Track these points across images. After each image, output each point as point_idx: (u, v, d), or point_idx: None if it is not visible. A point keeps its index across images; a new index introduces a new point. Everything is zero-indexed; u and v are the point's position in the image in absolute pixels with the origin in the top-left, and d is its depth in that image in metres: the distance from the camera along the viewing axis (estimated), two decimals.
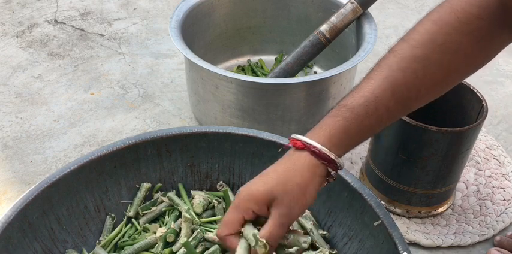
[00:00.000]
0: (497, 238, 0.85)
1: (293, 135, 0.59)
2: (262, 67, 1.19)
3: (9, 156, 1.00)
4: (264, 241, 0.55)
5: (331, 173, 0.58)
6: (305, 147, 0.57)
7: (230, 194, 0.80)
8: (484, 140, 1.03)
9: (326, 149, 0.57)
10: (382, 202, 0.88)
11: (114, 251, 0.76)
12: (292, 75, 1.01)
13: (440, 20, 0.60)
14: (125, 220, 0.79)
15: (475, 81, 1.22)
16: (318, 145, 0.56)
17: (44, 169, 0.97)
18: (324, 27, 0.97)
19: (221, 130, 0.77)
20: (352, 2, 0.97)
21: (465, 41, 0.58)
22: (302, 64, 1.00)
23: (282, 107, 0.93)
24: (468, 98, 0.80)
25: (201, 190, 0.83)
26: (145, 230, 0.78)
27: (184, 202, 0.79)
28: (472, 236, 0.86)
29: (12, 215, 0.64)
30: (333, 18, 0.96)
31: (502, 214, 0.89)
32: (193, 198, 0.80)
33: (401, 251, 0.61)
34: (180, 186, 0.82)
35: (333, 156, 0.57)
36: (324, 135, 0.57)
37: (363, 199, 0.68)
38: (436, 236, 0.86)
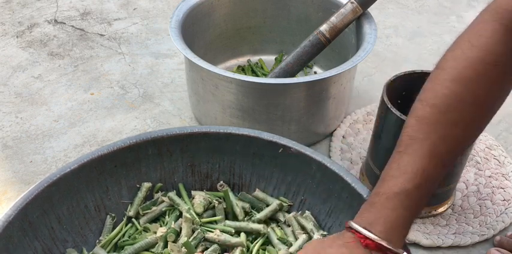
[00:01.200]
0: (497, 238, 0.85)
1: (359, 228, 0.57)
2: (262, 67, 1.19)
3: (9, 156, 1.00)
4: None
5: None
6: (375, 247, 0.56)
7: (230, 194, 0.80)
8: (484, 140, 1.03)
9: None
10: None
11: (115, 251, 0.76)
12: (292, 75, 1.01)
13: (458, 75, 0.58)
14: (125, 219, 0.79)
15: None
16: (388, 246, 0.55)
17: (44, 169, 0.97)
18: (324, 27, 0.97)
19: (222, 131, 0.77)
20: (352, 2, 0.97)
21: (482, 92, 0.57)
22: (302, 64, 1.00)
23: (282, 107, 0.93)
24: None
25: (202, 190, 0.83)
26: (146, 230, 0.78)
27: (185, 202, 0.79)
28: (472, 236, 0.86)
29: (12, 215, 0.64)
30: (333, 18, 0.96)
31: (502, 214, 0.89)
32: (193, 198, 0.80)
33: (401, 251, 0.61)
34: (181, 186, 0.82)
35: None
36: (389, 230, 0.56)
37: (363, 199, 0.68)
38: (436, 236, 0.86)
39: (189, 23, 1.01)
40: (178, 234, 0.75)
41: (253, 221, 0.78)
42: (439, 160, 0.57)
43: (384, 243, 0.55)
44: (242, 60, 1.22)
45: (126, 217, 0.79)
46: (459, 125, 0.57)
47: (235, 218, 0.79)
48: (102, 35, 1.35)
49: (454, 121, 0.57)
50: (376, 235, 0.56)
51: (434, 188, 0.59)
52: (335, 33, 0.97)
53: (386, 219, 0.57)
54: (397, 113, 0.75)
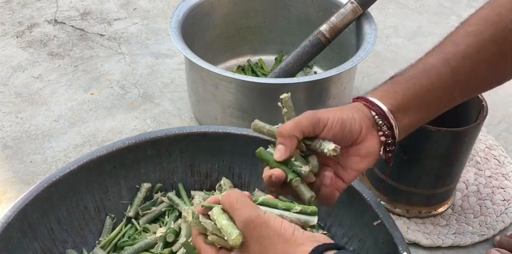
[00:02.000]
0: (497, 238, 0.85)
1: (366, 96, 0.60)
2: (262, 67, 1.19)
3: (9, 156, 1.00)
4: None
5: (378, 122, 0.58)
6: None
7: None
8: (484, 140, 1.03)
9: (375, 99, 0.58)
10: (382, 202, 0.88)
11: (114, 251, 0.76)
12: (292, 75, 1.00)
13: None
14: (124, 220, 0.79)
15: None
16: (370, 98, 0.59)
17: (44, 169, 0.97)
18: (324, 27, 0.97)
19: (221, 130, 0.77)
20: (352, 2, 0.97)
21: None
22: (302, 64, 1.00)
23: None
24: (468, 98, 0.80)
25: (201, 190, 0.83)
26: (145, 230, 0.78)
27: (184, 202, 0.79)
28: (472, 236, 0.86)
29: (12, 216, 0.64)
30: (333, 18, 0.96)
31: (502, 214, 0.89)
32: (193, 198, 0.80)
33: (401, 251, 0.61)
34: (180, 186, 0.82)
35: (378, 102, 0.58)
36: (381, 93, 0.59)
37: (363, 199, 0.68)
38: (436, 236, 0.85)
39: (189, 23, 1.01)
40: (177, 234, 0.75)
41: None
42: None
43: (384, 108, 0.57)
44: (242, 60, 1.22)
45: (125, 217, 0.79)
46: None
47: None
48: (102, 35, 1.35)
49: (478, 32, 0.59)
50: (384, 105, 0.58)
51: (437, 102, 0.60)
52: (335, 33, 0.97)
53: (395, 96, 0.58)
54: None
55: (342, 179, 0.59)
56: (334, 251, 0.45)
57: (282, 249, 0.46)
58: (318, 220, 0.77)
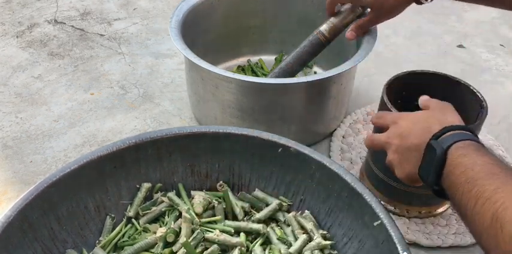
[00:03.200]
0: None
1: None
2: (262, 67, 1.19)
3: (9, 156, 1.00)
4: None
5: None
6: None
7: (230, 194, 0.80)
8: (484, 140, 1.03)
9: None
10: (382, 202, 0.88)
11: (114, 251, 0.76)
12: (292, 75, 1.00)
13: None
14: (125, 220, 0.79)
15: (475, 81, 1.22)
16: None
17: (44, 169, 0.97)
18: (324, 27, 0.97)
19: (221, 130, 0.77)
20: None
21: None
22: (302, 64, 1.00)
23: (282, 107, 0.93)
24: (468, 98, 0.80)
25: (201, 190, 0.83)
26: (145, 230, 0.78)
27: (184, 202, 0.79)
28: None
29: (12, 215, 0.64)
30: (333, 18, 0.96)
31: None
32: (193, 198, 0.80)
33: (401, 251, 0.61)
34: (180, 186, 0.82)
35: None
36: None
37: (363, 199, 0.68)
38: (436, 236, 0.86)
39: (189, 23, 1.01)
40: (177, 234, 0.75)
41: (253, 221, 0.78)
42: None
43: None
44: (242, 60, 1.22)
45: (125, 217, 0.79)
46: None
47: (234, 218, 0.79)
48: (102, 35, 1.35)
49: None
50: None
51: None
52: (335, 33, 0.97)
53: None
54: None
55: None
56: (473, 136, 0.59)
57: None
58: (318, 220, 0.77)
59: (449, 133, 0.60)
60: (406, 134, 0.64)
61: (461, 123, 0.63)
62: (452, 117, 0.65)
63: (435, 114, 0.66)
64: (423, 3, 0.84)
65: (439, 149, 0.58)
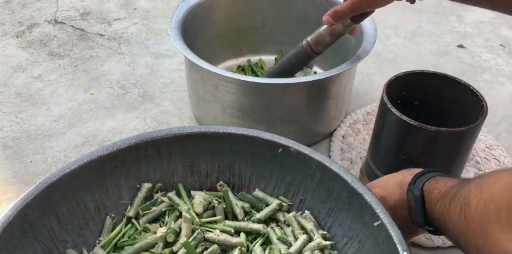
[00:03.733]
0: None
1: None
2: (262, 67, 1.19)
3: (9, 156, 1.00)
4: None
5: None
6: None
7: (230, 194, 0.80)
8: (484, 140, 1.03)
9: None
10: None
11: (114, 251, 0.76)
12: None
13: None
14: (125, 220, 0.79)
15: (475, 81, 1.22)
16: None
17: (44, 169, 0.97)
18: (310, 37, 0.93)
19: (221, 130, 0.77)
20: None
21: None
22: (289, 73, 0.99)
23: (282, 107, 0.93)
24: (468, 98, 0.80)
25: (201, 190, 0.83)
26: (146, 230, 0.78)
27: (185, 202, 0.79)
28: None
29: (12, 215, 0.64)
30: (322, 28, 0.91)
31: None
32: (193, 198, 0.80)
33: (402, 252, 0.61)
34: (180, 186, 0.82)
35: None
36: None
37: (363, 199, 0.68)
38: (436, 236, 0.85)
39: (189, 23, 1.01)
40: (178, 234, 0.75)
41: (253, 221, 0.78)
42: None
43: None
44: (242, 60, 1.22)
45: (125, 217, 0.79)
46: None
47: (235, 218, 0.79)
48: (102, 35, 1.35)
49: None
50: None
51: None
52: (320, 43, 0.92)
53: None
54: (397, 113, 0.75)
55: None
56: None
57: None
58: (318, 220, 0.77)
59: (421, 177, 0.65)
60: (385, 196, 0.69)
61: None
62: (411, 170, 0.69)
63: (397, 174, 0.71)
64: (413, 2, 0.83)
65: (416, 189, 0.63)
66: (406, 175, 0.68)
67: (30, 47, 1.29)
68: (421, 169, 0.67)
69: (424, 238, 0.85)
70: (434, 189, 0.61)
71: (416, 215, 0.63)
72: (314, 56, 0.93)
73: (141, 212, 0.79)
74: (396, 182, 0.69)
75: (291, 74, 0.98)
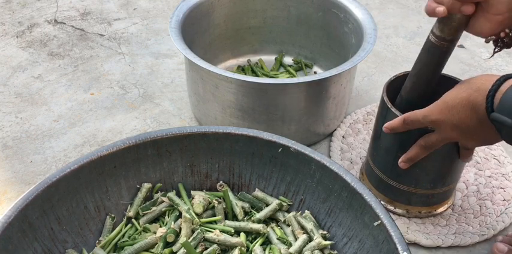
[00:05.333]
0: (499, 238, 0.85)
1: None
2: (262, 67, 1.19)
3: (9, 156, 1.00)
4: None
5: None
6: None
7: (230, 194, 0.80)
8: None
9: None
10: (382, 202, 0.88)
11: (114, 251, 0.76)
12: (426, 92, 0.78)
13: None
14: (125, 220, 0.79)
15: None
16: None
17: (44, 169, 0.97)
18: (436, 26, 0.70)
19: (221, 130, 0.77)
20: None
21: None
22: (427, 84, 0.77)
23: (282, 107, 0.93)
24: None
25: (201, 190, 0.83)
26: (146, 230, 0.78)
27: (184, 202, 0.79)
28: (472, 236, 0.86)
29: (12, 215, 0.64)
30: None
31: (502, 214, 0.89)
32: (193, 198, 0.80)
33: (401, 251, 0.61)
34: (180, 186, 0.82)
35: None
36: None
37: (363, 199, 0.68)
38: (436, 236, 0.86)
39: (189, 23, 1.01)
40: (177, 234, 0.75)
41: (253, 221, 0.78)
42: None
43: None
44: (242, 60, 1.22)
45: (125, 217, 0.79)
46: None
47: (234, 218, 0.79)
48: (102, 35, 1.35)
49: None
50: None
51: None
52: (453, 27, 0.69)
53: None
54: (397, 113, 0.75)
55: None
56: None
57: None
58: (318, 220, 0.77)
59: (498, 94, 0.59)
60: (458, 124, 0.64)
61: (488, 80, 0.62)
62: (477, 79, 0.64)
63: (455, 92, 0.64)
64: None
65: (509, 122, 0.57)
66: (471, 92, 0.61)
67: (30, 47, 1.29)
68: (481, 80, 0.62)
69: (424, 238, 0.85)
70: None
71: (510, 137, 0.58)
72: (448, 48, 0.71)
73: (141, 212, 0.79)
74: (463, 104, 0.62)
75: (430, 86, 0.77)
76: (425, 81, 0.75)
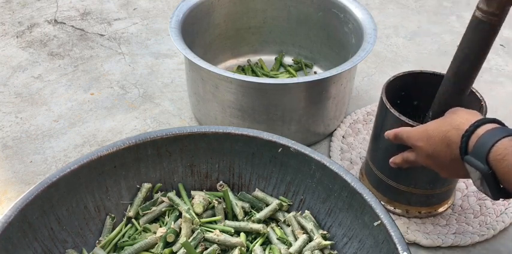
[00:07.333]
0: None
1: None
2: (262, 67, 1.19)
3: (9, 156, 1.00)
4: None
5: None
6: None
7: (230, 194, 0.80)
8: None
9: None
10: (382, 202, 0.88)
11: (114, 251, 0.76)
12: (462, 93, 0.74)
13: None
14: (125, 220, 0.79)
15: (475, 81, 1.22)
16: None
17: (44, 169, 0.97)
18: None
19: (221, 130, 0.77)
20: None
21: None
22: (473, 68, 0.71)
23: (282, 107, 0.93)
24: (468, 98, 0.80)
25: (201, 190, 0.83)
26: (146, 230, 0.78)
27: (184, 202, 0.79)
28: (472, 236, 0.86)
29: (12, 215, 0.64)
30: None
31: (502, 214, 0.89)
32: (193, 198, 0.80)
33: (401, 251, 0.61)
34: (180, 186, 0.82)
35: None
36: None
37: (363, 199, 0.68)
38: (436, 236, 0.86)
39: (189, 23, 1.01)
40: (177, 234, 0.75)
41: (253, 221, 0.78)
42: None
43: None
44: (242, 60, 1.22)
45: (125, 217, 0.79)
46: None
47: (234, 218, 0.79)
48: (102, 35, 1.35)
49: None
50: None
51: None
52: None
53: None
54: (396, 114, 0.75)
55: None
56: (495, 125, 0.59)
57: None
58: (318, 220, 0.77)
59: (473, 136, 0.59)
60: (433, 154, 0.65)
61: (468, 120, 0.62)
62: (459, 116, 0.64)
63: (435, 125, 0.66)
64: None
65: (478, 163, 0.57)
66: (450, 128, 0.62)
67: (30, 47, 1.29)
68: (463, 117, 0.62)
69: (424, 238, 0.85)
70: (503, 154, 0.54)
71: (489, 190, 0.57)
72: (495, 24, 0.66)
73: (141, 212, 0.79)
74: (440, 138, 0.63)
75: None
76: (473, 62, 0.69)
